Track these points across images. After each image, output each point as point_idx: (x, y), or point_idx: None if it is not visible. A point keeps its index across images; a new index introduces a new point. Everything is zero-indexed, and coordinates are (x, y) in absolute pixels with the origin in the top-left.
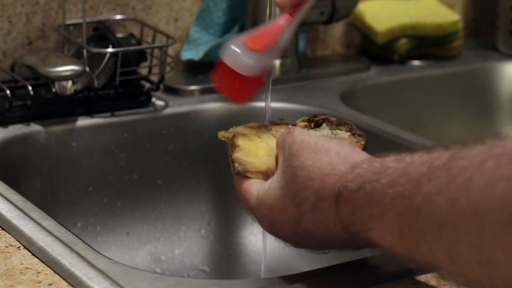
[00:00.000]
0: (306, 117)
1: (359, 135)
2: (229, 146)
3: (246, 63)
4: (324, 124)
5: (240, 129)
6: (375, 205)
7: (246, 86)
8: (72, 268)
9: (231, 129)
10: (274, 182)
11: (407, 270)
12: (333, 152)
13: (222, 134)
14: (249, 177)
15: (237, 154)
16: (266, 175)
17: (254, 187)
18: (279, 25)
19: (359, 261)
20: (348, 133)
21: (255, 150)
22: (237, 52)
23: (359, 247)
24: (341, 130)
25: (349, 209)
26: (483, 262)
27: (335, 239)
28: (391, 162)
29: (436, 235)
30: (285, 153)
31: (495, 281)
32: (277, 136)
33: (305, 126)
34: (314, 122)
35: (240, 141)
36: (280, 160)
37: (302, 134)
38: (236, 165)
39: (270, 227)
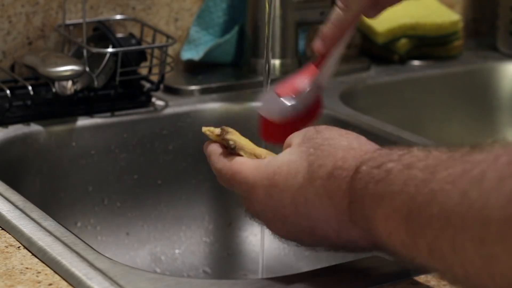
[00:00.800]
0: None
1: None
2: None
3: (275, 109)
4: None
5: (235, 135)
6: (389, 184)
7: (278, 130)
8: (72, 268)
9: (218, 130)
10: (288, 150)
11: (407, 270)
12: (363, 138)
13: (207, 128)
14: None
15: (231, 136)
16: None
17: (247, 159)
18: (308, 72)
19: (359, 261)
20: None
21: (246, 140)
22: (268, 100)
23: (344, 245)
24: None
25: (363, 183)
26: (485, 257)
27: (328, 221)
28: (415, 149)
29: (444, 224)
30: (308, 133)
31: (495, 277)
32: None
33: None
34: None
35: (231, 130)
36: (298, 139)
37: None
38: (231, 142)
39: (265, 195)
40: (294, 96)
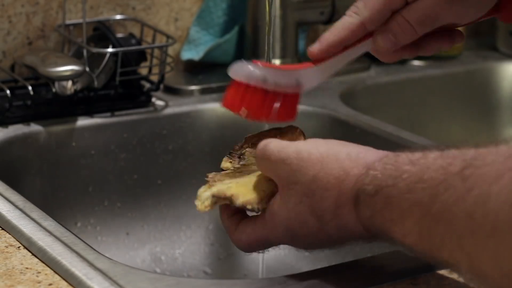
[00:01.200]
0: (227, 157)
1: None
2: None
3: (246, 72)
4: (247, 152)
5: (216, 188)
6: (394, 210)
7: (258, 106)
8: (72, 268)
9: (206, 195)
10: (280, 201)
11: (407, 270)
12: (343, 156)
13: (204, 206)
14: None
15: (242, 200)
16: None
17: (252, 224)
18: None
19: (359, 261)
20: None
21: (249, 187)
22: (240, 64)
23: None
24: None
25: (369, 212)
26: (505, 276)
27: (357, 239)
28: (405, 165)
29: (456, 245)
30: (282, 172)
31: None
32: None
33: (231, 163)
34: (238, 156)
35: (229, 192)
36: (279, 180)
37: (291, 146)
38: (249, 206)
39: (292, 241)
40: (264, 67)
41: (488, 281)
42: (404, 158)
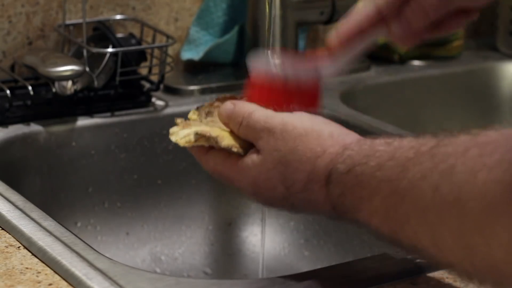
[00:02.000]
0: (195, 110)
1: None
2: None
3: (267, 67)
4: (214, 113)
5: (196, 128)
6: (364, 187)
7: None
8: (72, 268)
9: (185, 132)
10: (256, 159)
11: (407, 270)
12: (325, 135)
13: (184, 141)
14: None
15: (226, 142)
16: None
17: (230, 163)
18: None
19: (359, 261)
20: None
21: (220, 130)
22: (262, 59)
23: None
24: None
25: (339, 190)
26: (465, 247)
27: (323, 215)
28: (380, 145)
29: (421, 220)
30: (265, 138)
31: (476, 265)
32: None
33: (198, 117)
34: (205, 112)
35: (214, 133)
36: (259, 144)
37: (277, 116)
38: (235, 149)
39: (253, 195)
40: (283, 63)
41: (449, 255)
42: (380, 140)
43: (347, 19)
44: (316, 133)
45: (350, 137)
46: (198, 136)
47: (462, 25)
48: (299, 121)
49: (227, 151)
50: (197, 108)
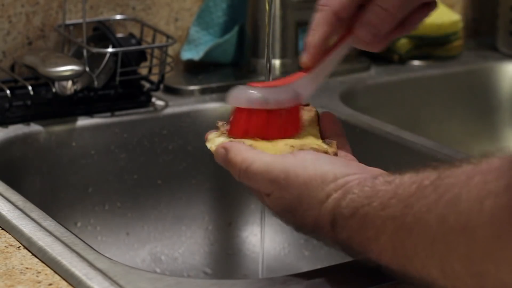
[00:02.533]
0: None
1: (306, 105)
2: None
3: (246, 97)
4: None
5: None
6: (369, 228)
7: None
8: (72, 268)
9: (220, 141)
10: (268, 203)
11: None
12: (329, 179)
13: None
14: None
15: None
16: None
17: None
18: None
19: (359, 261)
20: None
21: (268, 145)
22: (238, 90)
23: None
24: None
25: (346, 234)
26: (475, 275)
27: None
28: (382, 185)
29: (429, 251)
30: (269, 188)
31: None
32: None
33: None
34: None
35: (248, 142)
36: (266, 191)
37: (277, 165)
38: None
39: (279, 217)
40: (262, 88)
41: (459, 284)
42: (380, 179)
43: (310, 33)
44: (320, 178)
45: (353, 178)
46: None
47: (425, 17)
48: (301, 167)
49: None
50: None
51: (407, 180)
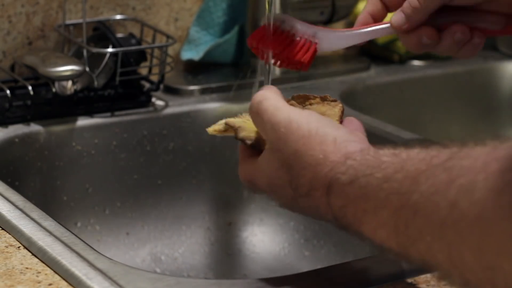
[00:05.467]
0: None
1: (333, 101)
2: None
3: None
4: (294, 102)
5: (228, 120)
6: (369, 199)
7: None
8: (72, 268)
9: (221, 121)
10: (266, 158)
11: (407, 270)
12: (329, 140)
13: (213, 129)
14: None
15: (243, 133)
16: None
17: (253, 171)
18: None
19: (359, 261)
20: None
21: (253, 127)
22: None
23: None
24: (312, 104)
25: (341, 202)
26: (487, 268)
27: (328, 221)
28: (386, 156)
29: (436, 236)
30: (269, 134)
31: (498, 286)
32: None
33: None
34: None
35: (237, 123)
36: (267, 139)
37: (284, 111)
38: (248, 142)
39: (271, 194)
40: (286, 15)
41: (468, 274)
42: (385, 151)
43: (362, 12)
44: (320, 137)
45: (354, 145)
46: (226, 126)
47: (465, 38)
48: (305, 120)
49: (254, 159)
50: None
51: (415, 156)
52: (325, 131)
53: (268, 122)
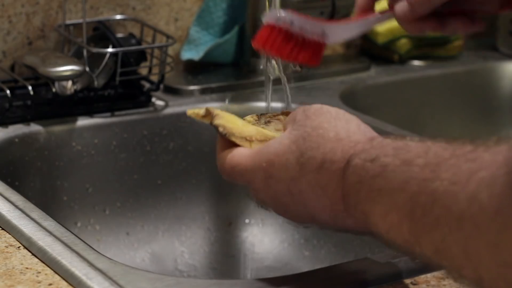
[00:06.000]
0: (256, 115)
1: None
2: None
3: (273, 15)
4: (273, 123)
5: (210, 107)
6: (388, 180)
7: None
8: (72, 268)
9: (201, 107)
10: (278, 138)
11: (407, 270)
12: (354, 123)
13: (192, 111)
14: (233, 144)
15: (219, 121)
16: (249, 141)
17: (244, 149)
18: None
19: (359, 261)
20: None
21: (233, 120)
22: (276, 10)
23: (341, 228)
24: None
25: (357, 177)
26: (502, 265)
27: (324, 210)
28: (412, 142)
29: (454, 227)
30: (298, 117)
31: None
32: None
33: (255, 122)
34: (264, 121)
35: (217, 112)
36: (290, 124)
37: (320, 104)
38: (221, 129)
39: (264, 185)
40: (293, 14)
41: (481, 270)
42: (412, 138)
43: None
44: (346, 120)
45: (376, 134)
46: (206, 111)
47: (462, 30)
48: (334, 109)
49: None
50: (261, 114)
51: (439, 145)
52: (350, 117)
53: (299, 110)
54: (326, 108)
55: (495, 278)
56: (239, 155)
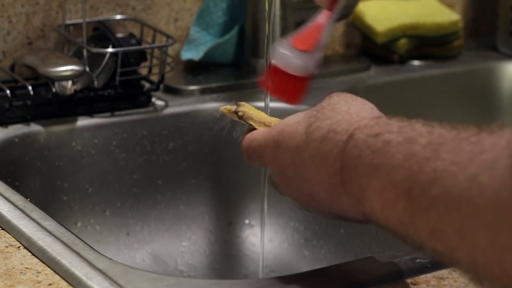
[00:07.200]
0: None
1: None
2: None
3: (297, 64)
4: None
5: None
6: (388, 156)
7: (296, 86)
8: (72, 268)
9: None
10: (292, 115)
11: (407, 270)
12: (369, 105)
13: (225, 107)
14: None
15: (242, 108)
16: (268, 126)
17: (262, 129)
18: (320, 23)
19: (359, 261)
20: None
21: (257, 111)
22: (288, 55)
23: (335, 209)
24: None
25: (358, 151)
26: (498, 248)
27: (321, 184)
28: (418, 123)
29: (451, 207)
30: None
31: (507, 268)
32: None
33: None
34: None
35: (244, 103)
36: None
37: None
38: (240, 113)
39: (272, 156)
40: (309, 51)
41: (476, 252)
42: (419, 120)
43: None
44: (362, 102)
45: (378, 114)
46: (236, 106)
47: None
48: (357, 96)
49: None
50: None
51: (444, 126)
52: (370, 104)
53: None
54: (350, 94)
55: (490, 261)
56: (257, 132)
